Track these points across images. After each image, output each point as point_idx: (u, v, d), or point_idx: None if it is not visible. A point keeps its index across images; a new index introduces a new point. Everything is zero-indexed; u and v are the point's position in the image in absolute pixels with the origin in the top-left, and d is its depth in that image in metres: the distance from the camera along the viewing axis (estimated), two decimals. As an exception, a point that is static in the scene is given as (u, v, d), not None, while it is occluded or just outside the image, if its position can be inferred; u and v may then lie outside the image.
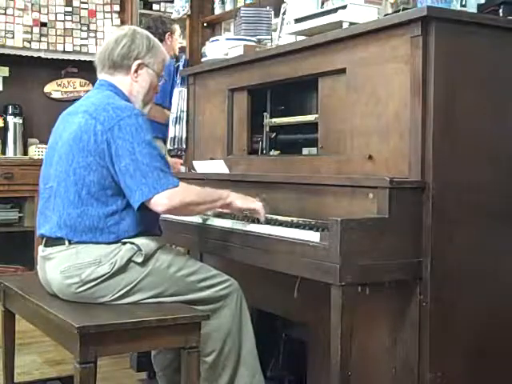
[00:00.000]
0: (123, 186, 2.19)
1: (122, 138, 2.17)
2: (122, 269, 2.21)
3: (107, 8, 5.71)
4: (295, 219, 2.32)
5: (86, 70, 5.58)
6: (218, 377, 2.34)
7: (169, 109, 4.46)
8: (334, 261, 1.92)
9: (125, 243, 2.23)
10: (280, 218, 2.39)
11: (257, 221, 2.37)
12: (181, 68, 4.74)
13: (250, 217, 2.43)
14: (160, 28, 4.46)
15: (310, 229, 2.15)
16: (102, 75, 2.41)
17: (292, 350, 2.79)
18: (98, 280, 2.19)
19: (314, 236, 2.05)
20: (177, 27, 4.67)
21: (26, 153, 5.36)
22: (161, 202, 2.16)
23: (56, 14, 5.52)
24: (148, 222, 2.27)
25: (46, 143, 4.93)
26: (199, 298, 2.30)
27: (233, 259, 2.48)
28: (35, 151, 5.23)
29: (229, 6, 4.89)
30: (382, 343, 2.21)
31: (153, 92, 2.45)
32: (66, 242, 2.22)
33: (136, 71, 2.38)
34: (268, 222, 2.37)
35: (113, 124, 2.19)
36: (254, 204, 2.36)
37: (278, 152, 2.91)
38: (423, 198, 2.07)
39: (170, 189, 2.16)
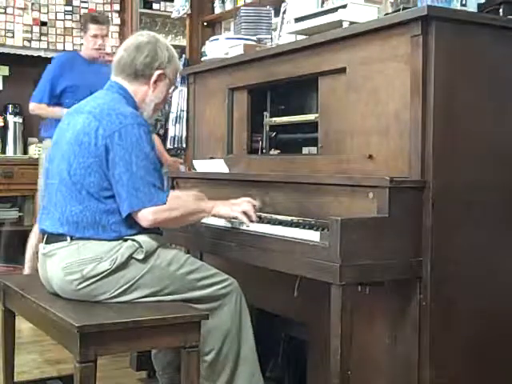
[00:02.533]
0: (115, 191, 2.21)
1: (121, 145, 2.19)
2: (123, 265, 2.22)
3: (107, 7, 5.71)
4: (295, 218, 2.32)
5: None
6: (218, 376, 2.34)
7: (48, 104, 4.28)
8: (334, 260, 1.92)
9: (126, 240, 2.24)
10: (280, 217, 2.38)
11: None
12: (181, 67, 4.74)
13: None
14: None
15: (310, 228, 2.15)
16: (116, 78, 2.40)
17: (292, 350, 2.79)
18: (99, 276, 2.20)
19: (314, 235, 2.05)
20: (92, 26, 4.35)
21: (25, 152, 5.36)
22: (147, 217, 2.20)
23: (56, 13, 5.52)
24: None
25: (45, 142, 4.94)
26: (199, 296, 2.31)
27: (233, 259, 2.48)
28: (35, 150, 5.23)
29: (229, 6, 4.88)
30: (381, 343, 2.21)
31: (165, 101, 2.48)
32: (68, 239, 2.23)
33: (155, 81, 2.38)
34: (268, 221, 2.37)
35: (114, 130, 2.20)
36: (235, 214, 2.36)
37: (278, 151, 2.91)
38: (423, 198, 2.07)
39: (157, 205, 2.19)
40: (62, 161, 2.28)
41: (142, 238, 2.25)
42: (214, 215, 2.39)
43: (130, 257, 2.23)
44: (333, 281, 1.93)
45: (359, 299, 2.05)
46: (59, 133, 2.39)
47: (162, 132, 4.81)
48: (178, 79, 4.66)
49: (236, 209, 2.36)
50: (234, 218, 2.39)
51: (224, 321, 2.33)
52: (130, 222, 2.24)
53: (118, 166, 2.18)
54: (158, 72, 2.37)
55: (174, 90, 2.44)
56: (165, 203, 2.22)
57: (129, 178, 2.18)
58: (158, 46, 2.39)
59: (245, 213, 2.35)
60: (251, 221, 2.34)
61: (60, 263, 2.23)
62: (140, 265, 2.24)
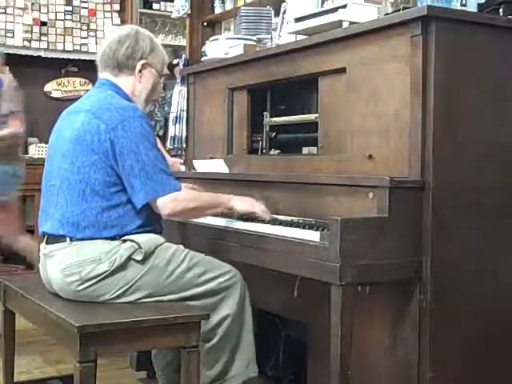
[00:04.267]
0: (126, 184, 2.22)
1: (127, 137, 2.20)
2: (122, 267, 2.22)
3: (107, 7, 5.72)
4: (295, 218, 2.32)
5: (86, 69, 5.59)
6: (214, 364, 2.33)
7: None
8: (333, 260, 1.92)
9: (125, 241, 2.24)
10: (280, 217, 2.39)
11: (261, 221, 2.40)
12: (181, 67, 4.74)
13: (250, 216, 2.44)
14: None
15: (310, 228, 2.15)
16: (104, 74, 2.42)
17: (292, 350, 2.79)
18: (98, 278, 2.20)
19: (314, 235, 2.05)
20: None
21: (26, 152, 5.35)
22: (166, 205, 2.22)
23: (56, 13, 5.52)
24: (150, 217, 2.28)
25: (45, 142, 4.95)
26: (202, 292, 2.30)
27: (233, 259, 2.48)
28: (35, 150, 5.23)
29: (229, 5, 4.88)
30: (381, 343, 2.21)
31: (155, 91, 2.47)
32: (68, 240, 2.22)
33: (140, 71, 2.40)
34: (268, 221, 2.37)
35: (116, 123, 2.21)
36: (254, 209, 2.39)
37: (278, 151, 2.91)
38: (423, 198, 2.07)
39: (173, 193, 2.22)
40: (63, 161, 2.27)
41: (141, 239, 2.25)
42: (232, 208, 2.39)
43: (129, 258, 2.23)
44: (333, 281, 1.93)
45: (359, 299, 2.05)
46: (56, 134, 2.39)
47: (161, 133, 4.81)
48: (178, 80, 4.66)
49: (253, 204, 2.39)
50: (251, 214, 2.40)
51: (228, 314, 2.31)
52: (132, 216, 2.24)
53: (127, 157, 2.19)
54: (140, 62, 2.39)
55: (170, 88, 2.44)
56: (179, 190, 2.24)
57: (140, 168, 2.19)
58: (138, 36, 2.40)
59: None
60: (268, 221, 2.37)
61: (59, 264, 2.23)
62: (139, 266, 2.24)
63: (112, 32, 2.52)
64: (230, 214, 2.47)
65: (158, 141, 4.41)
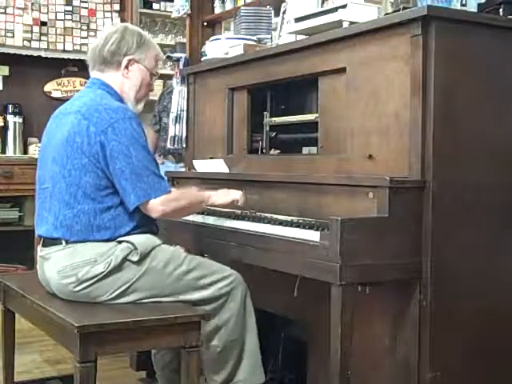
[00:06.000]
0: (118, 187, 2.21)
1: (117, 140, 2.19)
2: (118, 268, 2.21)
3: (107, 7, 5.70)
4: (295, 218, 2.32)
5: (86, 69, 5.54)
6: (220, 369, 2.34)
7: None
8: (333, 260, 1.92)
9: (121, 242, 2.24)
10: (280, 217, 2.39)
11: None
12: (181, 67, 4.74)
13: (250, 216, 2.45)
14: None
15: (310, 228, 2.15)
16: (93, 73, 2.43)
17: (292, 350, 2.79)
18: (94, 279, 2.20)
19: (314, 235, 2.05)
20: None
21: (25, 152, 5.35)
22: (156, 208, 2.23)
23: (56, 13, 5.51)
24: (144, 218, 2.28)
25: (45, 142, 4.94)
26: (200, 297, 2.30)
27: (233, 259, 2.48)
28: (35, 150, 5.22)
29: (229, 5, 4.88)
30: (381, 343, 2.21)
31: (145, 89, 2.46)
32: (63, 242, 2.22)
33: (126, 67, 2.39)
34: (268, 221, 2.37)
35: (106, 126, 2.20)
36: (232, 196, 2.47)
37: (278, 151, 2.91)
38: (423, 198, 2.07)
39: (163, 195, 2.22)
40: (54, 164, 2.27)
41: (137, 240, 2.24)
42: (213, 203, 2.45)
43: (125, 259, 2.22)
44: (333, 281, 1.93)
45: (359, 299, 2.05)
46: (47, 136, 2.38)
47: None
48: (179, 80, 4.66)
49: (229, 194, 2.48)
50: (229, 204, 2.48)
51: (229, 316, 2.32)
52: (126, 218, 2.24)
53: (117, 160, 2.18)
54: (126, 58, 2.38)
55: (155, 79, 2.41)
56: (170, 192, 2.24)
57: (131, 170, 2.19)
58: (125, 33, 2.40)
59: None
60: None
61: (55, 266, 2.23)
62: (135, 267, 2.24)
63: (103, 30, 2.52)
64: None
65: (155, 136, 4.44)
